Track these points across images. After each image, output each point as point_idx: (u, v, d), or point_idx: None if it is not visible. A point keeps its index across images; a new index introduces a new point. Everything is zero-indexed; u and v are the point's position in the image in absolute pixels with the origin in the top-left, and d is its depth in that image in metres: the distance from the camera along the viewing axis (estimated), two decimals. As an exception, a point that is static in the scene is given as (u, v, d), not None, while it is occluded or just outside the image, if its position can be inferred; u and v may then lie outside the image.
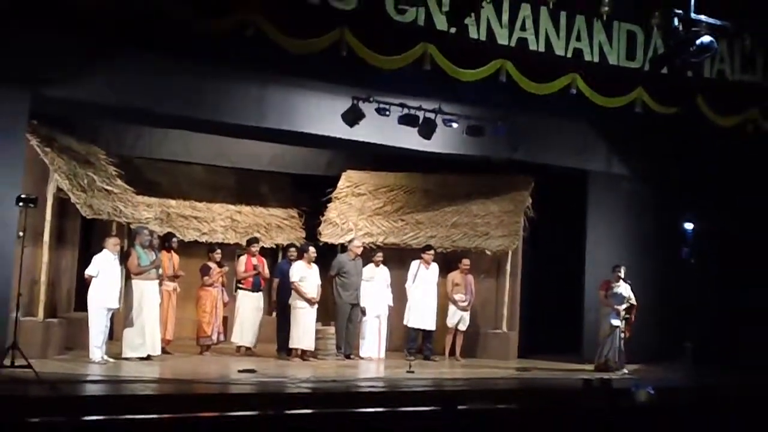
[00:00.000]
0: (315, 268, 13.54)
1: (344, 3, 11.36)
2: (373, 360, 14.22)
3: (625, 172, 15.46)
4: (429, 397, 10.69)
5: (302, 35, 11.21)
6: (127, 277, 12.57)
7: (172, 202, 15.89)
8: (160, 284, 12.85)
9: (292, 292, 13.34)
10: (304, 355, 13.27)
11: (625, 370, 13.89)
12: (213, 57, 11.65)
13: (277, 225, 16.80)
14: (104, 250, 12.06)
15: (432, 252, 14.70)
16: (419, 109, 13.21)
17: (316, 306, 13.33)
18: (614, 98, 13.20)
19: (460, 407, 8.91)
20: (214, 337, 13.67)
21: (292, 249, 14.41)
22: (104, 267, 11.94)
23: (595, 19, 12.76)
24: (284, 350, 13.73)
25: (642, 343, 14.48)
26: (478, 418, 9.08)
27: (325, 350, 13.69)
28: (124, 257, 12.34)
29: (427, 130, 13.22)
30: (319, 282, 13.51)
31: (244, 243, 14.94)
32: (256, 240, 14.53)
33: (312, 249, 13.65)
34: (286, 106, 12.85)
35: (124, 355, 12.31)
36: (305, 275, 13.39)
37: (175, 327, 13.57)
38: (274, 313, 14.34)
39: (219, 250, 13.96)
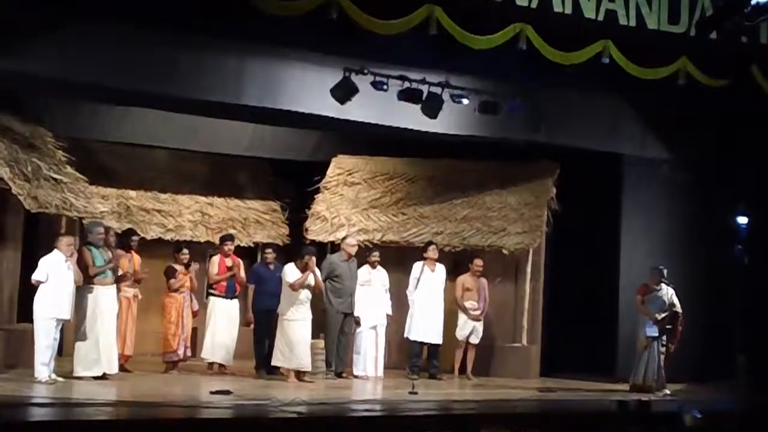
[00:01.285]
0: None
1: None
2: (369, 379, 14.22)
3: (666, 156, 15.46)
4: (435, 422, 10.67)
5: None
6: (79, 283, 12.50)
7: (132, 193, 15.86)
8: (119, 290, 12.82)
9: (282, 300, 13.24)
10: (299, 375, 13.22)
11: (667, 391, 13.88)
12: (181, 24, 11.61)
13: (256, 220, 16.77)
14: (54, 251, 12.02)
15: (436, 250, 14.67)
16: (423, 82, 13.19)
17: (310, 318, 13.25)
18: (653, 69, 13.19)
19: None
20: (181, 352, 13.65)
21: (269, 250, 14.37)
22: (54, 271, 11.90)
23: (631, -24, 12.78)
24: (264, 368, 13.71)
25: (686, 357, 14.49)
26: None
27: (313, 367, 13.64)
28: (76, 258, 12.28)
29: (432, 107, 13.20)
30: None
31: (216, 241, 14.90)
32: (230, 237, 14.52)
33: (309, 256, 13.40)
34: (266, 81, 12.83)
35: (75, 374, 12.28)
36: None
37: (136, 340, 13.53)
38: (252, 325, 14.32)
39: (186, 250, 13.93)
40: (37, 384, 11.67)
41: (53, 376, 11.90)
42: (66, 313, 12.00)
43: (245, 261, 14.77)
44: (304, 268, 13.20)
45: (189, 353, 13.80)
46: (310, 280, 13.21)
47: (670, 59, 13.14)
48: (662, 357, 13.91)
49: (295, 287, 13.12)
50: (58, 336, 12.06)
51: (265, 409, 10.92)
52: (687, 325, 14.27)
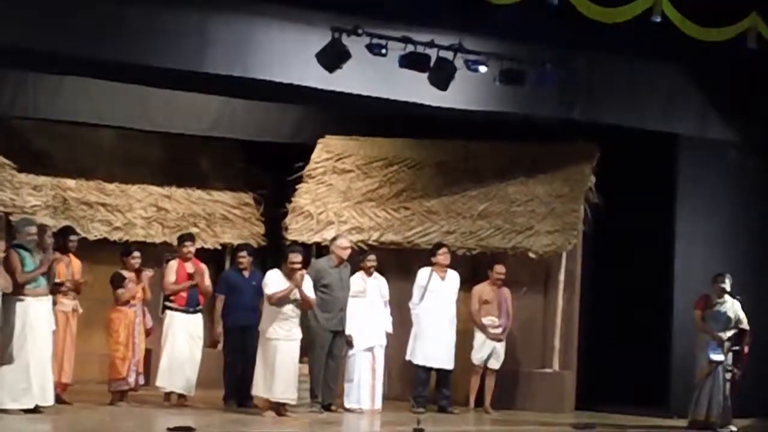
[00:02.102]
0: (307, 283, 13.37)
1: None
2: (364, 413, 14.22)
3: (731, 137, 15.48)
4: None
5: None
6: (5, 293, 12.50)
7: (71, 182, 15.88)
8: (54, 303, 12.81)
9: (264, 314, 13.21)
10: (281, 409, 13.20)
11: (733, 428, 13.91)
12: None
13: (224, 216, 16.79)
14: None
15: (447, 253, 14.66)
16: (430, 45, 13.17)
17: (299, 337, 13.22)
18: (716, 29, 13.15)
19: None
20: (132, 380, 13.64)
21: (244, 253, 14.35)
22: None
23: None
24: (234, 398, 13.72)
25: (756, 386, 14.50)
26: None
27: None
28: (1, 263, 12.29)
29: (441, 76, 13.19)
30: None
31: (175, 242, 14.91)
32: (190, 237, 14.52)
33: (293, 262, 13.37)
34: (235, 43, 12.81)
35: (1, 406, 12.24)
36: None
37: (76, 365, 13.52)
38: (220, 345, 14.27)
39: (138, 253, 13.91)
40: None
41: (-27, 409, 11.90)
42: None
43: (210, 266, 14.78)
44: (290, 275, 13.17)
45: (141, 381, 13.78)
46: (295, 293, 13.18)
47: (737, 17, 13.12)
48: (728, 385, 13.92)
49: (271, 301, 13.10)
50: (-22, 360, 12.05)
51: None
52: (758, 346, 14.29)
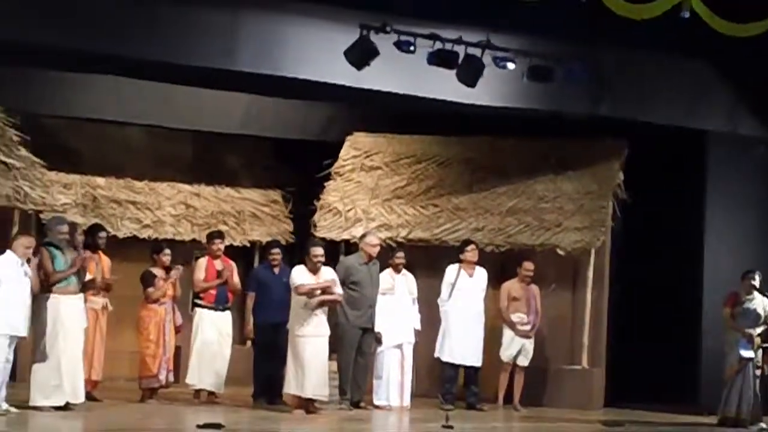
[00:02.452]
0: (327, 274, 13.38)
1: None
2: (393, 410, 14.24)
3: (761, 133, 15.41)
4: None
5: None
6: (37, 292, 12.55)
7: (100, 180, 15.95)
8: (85, 300, 12.86)
9: (292, 311, 13.22)
10: (310, 407, 13.22)
11: (763, 425, 13.87)
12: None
13: (252, 214, 16.82)
14: (7, 253, 12.05)
15: (476, 250, 14.66)
16: (458, 42, 13.18)
17: (327, 333, 13.24)
18: (744, 24, 13.09)
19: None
20: (162, 377, 13.68)
21: (276, 250, 14.34)
22: (7, 277, 11.92)
23: None
24: (264, 396, 13.73)
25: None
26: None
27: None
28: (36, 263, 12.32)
29: (469, 73, 13.19)
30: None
31: (204, 239, 14.94)
32: (220, 234, 14.54)
33: (316, 248, 13.43)
34: (264, 41, 12.85)
35: (32, 403, 12.29)
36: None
37: (106, 362, 13.58)
38: (249, 343, 14.30)
39: (168, 251, 13.95)
40: (-15, 416, 11.75)
41: (5, 405, 11.93)
42: (21, 329, 12.04)
43: (239, 264, 14.82)
44: (314, 269, 13.20)
45: (171, 378, 13.81)
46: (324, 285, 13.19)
47: (765, 12, 13.06)
48: (758, 382, 13.88)
49: (300, 291, 13.09)
50: (12, 357, 12.08)
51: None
52: (787, 342, 14.26)
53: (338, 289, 13.33)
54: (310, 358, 13.08)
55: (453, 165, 16.23)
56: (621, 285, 15.54)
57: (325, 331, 13.26)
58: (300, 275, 13.21)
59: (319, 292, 13.13)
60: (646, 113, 14.64)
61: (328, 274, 13.34)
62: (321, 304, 13.12)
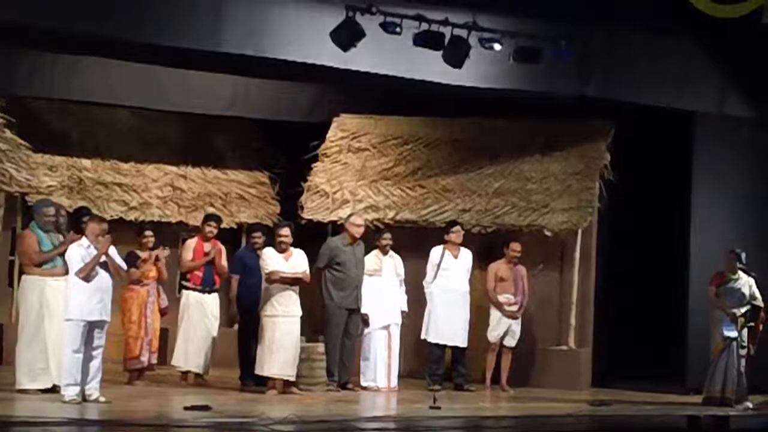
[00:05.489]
0: (297, 257, 13.44)
1: None
2: (380, 391, 14.27)
3: (748, 114, 15.39)
4: (462, 443, 10.69)
5: None
6: (20, 272, 12.55)
7: (87, 162, 15.93)
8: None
9: (262, 292, 13.28)
10: (286, 387, 13.25)
11: (749, 404, 13.90)
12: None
13: (239, 195, 16.80)
14: (82, 240, 11.97)
15: (461, 231, 14.67)
16: (444, 23, 13.16)
17: (298, 313, 13.29)
18: (732, 5, 13.06)
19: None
20: (144, 359, 13.66)
21: (258, 233, 14.31)
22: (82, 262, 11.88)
23: None
24: (251, 378, 13.73)
25: (773, 363, 14.49)
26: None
27: (311, 377, 13.70)
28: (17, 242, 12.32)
29: (456, 54, 13.17)
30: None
31: (190, 221, 14.92)
32: (216, 218, 14.50)
33: (282, 229, 13.51)
34: (250, 22, 12.80)
35: (19, 386, 12.31)
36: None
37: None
38: (236, 325, 14.32)
39: (150, 232, 13.87)
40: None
41: (95, 395, 11.93)
42: (96, 313, 11.97)
43: (226, 246, 14.79)
44: (284, 252, 13.23)
45: (154, 360, 13.80)
46: (295, 273, 13.20)
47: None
48: (743, 362, 13.92)
49: (270, 280, 13.14)
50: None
51: (251, 428, 10.91)
52: (772, 322, 14.30)
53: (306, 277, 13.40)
54: (280, 337, 13.14)
55: (440, 146, 16.23)
56: (608, 265, 15.58)
57: (297, 311, 13.29)
58: (270, 258, 13.24)
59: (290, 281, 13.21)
60: (633, 94, 14.61)
61: (298, 255, 13.38)
62: (284, 281, 13.16)
